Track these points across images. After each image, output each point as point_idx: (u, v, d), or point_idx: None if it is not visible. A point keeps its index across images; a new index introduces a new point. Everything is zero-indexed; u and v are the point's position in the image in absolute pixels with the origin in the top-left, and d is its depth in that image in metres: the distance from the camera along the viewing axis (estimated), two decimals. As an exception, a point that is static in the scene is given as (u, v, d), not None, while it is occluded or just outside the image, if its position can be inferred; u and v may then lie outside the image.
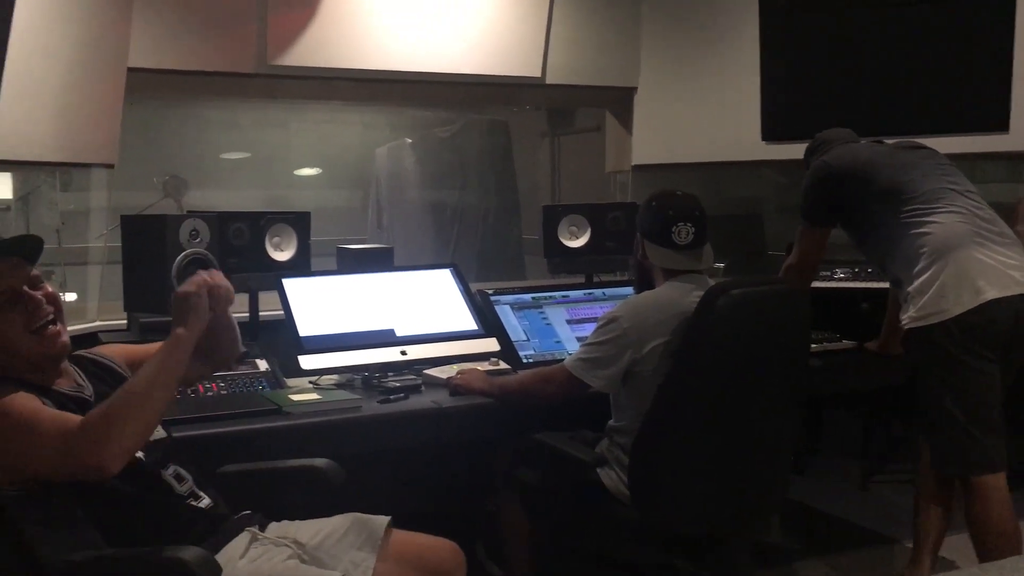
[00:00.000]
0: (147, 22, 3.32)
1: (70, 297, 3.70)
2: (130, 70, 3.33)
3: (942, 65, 3.91)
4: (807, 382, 2.50)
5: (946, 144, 3.95)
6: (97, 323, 3.26)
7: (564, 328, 3.18)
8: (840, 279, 4.07)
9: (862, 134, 4.07)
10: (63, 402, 1.81)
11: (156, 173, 4.65)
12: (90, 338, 3.12)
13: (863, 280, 4.03)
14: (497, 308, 3.17)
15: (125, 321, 3.10)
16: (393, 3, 3.75)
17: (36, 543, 1.67)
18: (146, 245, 2.88)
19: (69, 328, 3.17)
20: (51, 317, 1.86)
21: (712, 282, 2.43)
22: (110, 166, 3.44)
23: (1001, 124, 3.79)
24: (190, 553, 1.62)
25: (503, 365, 2.93)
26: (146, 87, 3.49)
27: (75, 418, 1.68)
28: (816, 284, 3.98)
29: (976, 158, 4.39)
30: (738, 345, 2.27)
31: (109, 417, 1.64)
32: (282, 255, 3.06)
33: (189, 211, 3.49)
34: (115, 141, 3.37)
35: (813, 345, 2.88)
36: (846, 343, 3.28)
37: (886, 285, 3.96)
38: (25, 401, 1.70)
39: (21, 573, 1.69)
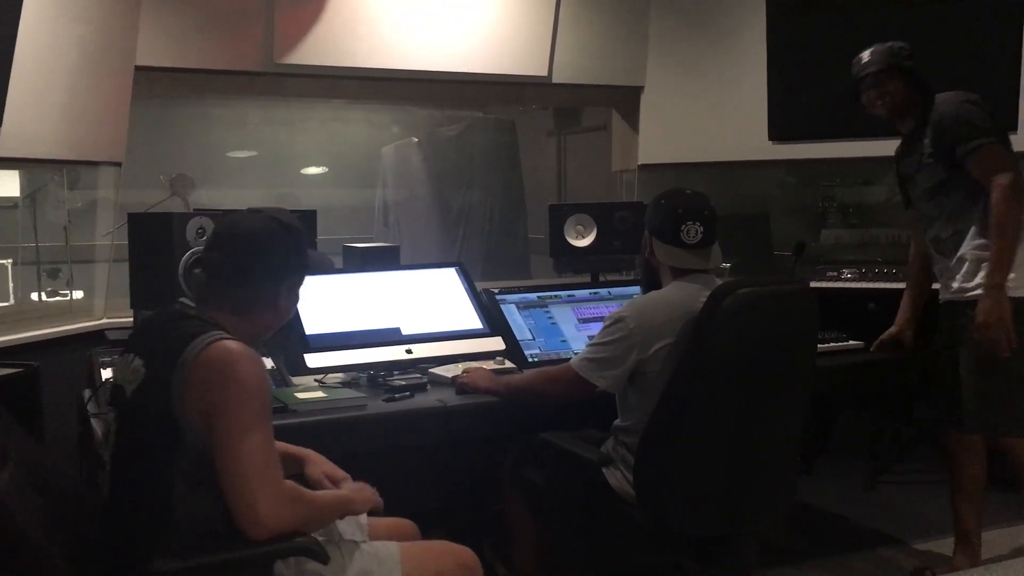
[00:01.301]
0: (155, 20, 3.33)
1: (77, 295, 3.72)
2: (137, 68, 3.34)
3: (951, 65, 3.89)
4: (814, 382, 2.49)
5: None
6: (104, 320, 3.27)
7: (570, 327, 3.17)
8: (847, 279, 4.06)
9: (870, 135, 4.07)
10: None
11: (163, 171, 4.67)
12: (97, 335, 3.13)
13: (870, 280, 4.03)
14: (503, 307, 3.16)
15: (131, 319, 3.11)
16: (400, 2, 3.75)
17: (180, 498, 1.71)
18: (153, 243, 2.89)
19: (76, 325, 3.20)
20: None
21: (719, 282, 2.42)
22: (117, 164, 3.45)
23: (1009, 123, 3.78)
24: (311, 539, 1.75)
25: (508, 364, 2.92)
26: (153, 85, 3.50)
27: (279, 467, 1.75)
28: (823, 284, 3.98)
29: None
30: (745, 345, 2.26)
31: (307, 517, 1.77)
32: (288, 253, 3.06)
33: (196, 209, 3.50)
34: (122, 139, 3.38)
35: (820, 345, 2.87)
36: (853, 343, 3.27)
37: (893, 285, 3.97)
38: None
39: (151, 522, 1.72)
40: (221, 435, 1.68)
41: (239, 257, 1.85)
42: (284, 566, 1.79)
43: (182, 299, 1.89)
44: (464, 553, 2.03)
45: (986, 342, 2.87)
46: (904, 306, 3.31)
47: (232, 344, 1.73)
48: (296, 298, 1.95)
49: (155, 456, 1.71)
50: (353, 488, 2.01)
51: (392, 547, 1.95)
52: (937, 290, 3.29)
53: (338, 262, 3.30)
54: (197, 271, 1.95)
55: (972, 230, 2.95)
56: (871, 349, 3.24)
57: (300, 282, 1.95)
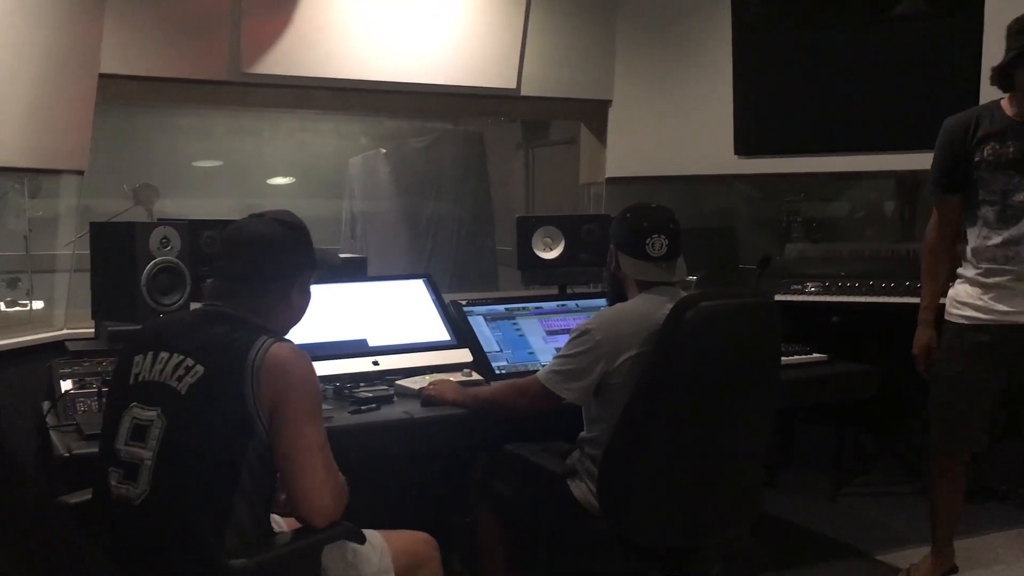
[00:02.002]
0: (119, 28, 3.30)
1: (37, 305, 3.66)
2: (101, 76, 3.30)
3: (912, 82, 3.97)
4: (778, 395, 2.51)
5: (914, 160, 4.03)
6: (64, 331, 3.21)
7: (537, 339, 3.18)
8: (811, 293, 4.11)
9: (832, 150, 4.13)
10: None
11: (127, 180, 4.61)
12: (56, 346, 3.08)
13: (834, 294, 4.08)
14: (470, 319, 3.16)
15: (93, 329, 3.06)
16: (369, 13, 3.75)
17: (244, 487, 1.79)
18: (115, 253, 2.85)
19: (35, 336, 3.15)
20: None
21: (684, 294, 2.43)
22: (80, 172, 3.40)
23: (969, 140, 3.85)
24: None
25: (476, 376, 2.92)
26: (117, 93, 3.46)
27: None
28: (787, 297, 4.02)
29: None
30: (708, 357, 2.28)
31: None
32: (254, 264, 3.03)
33: (160, 219, 3.46)
34: (85, 147, 3.34)
35: (784, 358, 2.90)
36: (816, 356, 3.30)
37: (856, 299, 4.02)
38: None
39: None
40: (288, 428, 1.80)
41: (248, 263, 1.92)
42: (328, 556, 1.92)
43: (212, 300, 1.95)
44: (425, 535, 2.18)
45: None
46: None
47: (288, 346, 1.86)
48: (309, 294, 2.04)
49: (228, 446, 1.78)
50: None
51: (374, 534, 2.05)
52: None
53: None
54: (210, 280, 2.00)
55: None
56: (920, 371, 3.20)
57: (311, 278, 2.03)
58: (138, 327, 2.81)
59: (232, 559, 1.73)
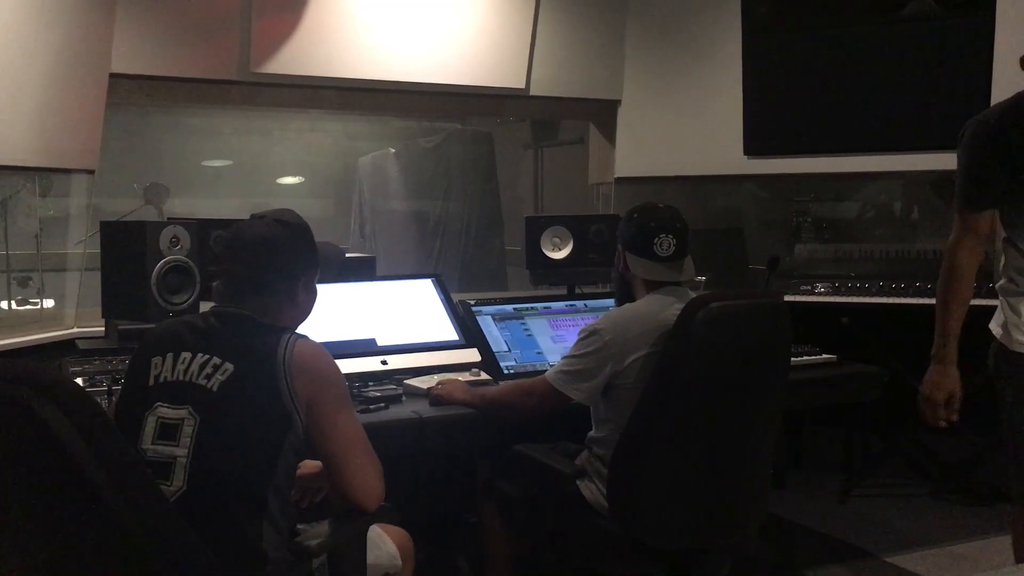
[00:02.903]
0: (130, 28, 3.31)
1: (48, 303, 3.67)
2: (112, 76, 3.31)
3: (924, 83, 3.96)
4: (787, 395, 2.50)
5: (927, 161, 4.02)
6: (75, 329, 3.23)
7: (546, 339, 3.17)
8: (821, 293, 4.10)
9: (842, 150, 4.12)
10: None
11: (137, 180, 4.63)
12: (67, 345, 3.10)
13: (843, 295, 4.07)
14: (479, 319, 3.16)
15: (103, 328, 3.07)
16: (378, 13, 3.75)
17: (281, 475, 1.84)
18: (126, 252, 2.86)
19: (46, 334, 3.16)
20: None
21: (693, 295, 2.43)
22: (91, 172, 3.41)
23: (980, 141, 3.83)
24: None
25: (484, 376, 2.92)
26: (128, 93, 3.47)
27: None
28: (797, 298, 4.02)
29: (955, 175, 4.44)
30: (717, 358, 2.27)
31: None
32: (263, 263, 3.04)
33: (170, 218, 3.47)
34: (96, 147, 3.35)
35: (793, 359, 2.89)
36: (826, 357, 3.29)
37: (865, 299, 4.00)
38: None
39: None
40: (327, 420, 1.86)
41: (250, 265, 1.94)
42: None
43: (221, 303, 1.97)
44: (404, 532, 2.22)
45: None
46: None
47: (310, 341, 1.90)
48: (314, 292, 2.06)
49: (263, 441, 1.81)
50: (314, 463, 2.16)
51: (376, 528, 2.11)
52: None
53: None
54: (215, 283, 2.02)
55: None
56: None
57: (315, 276, 2.05)
58: (148, 326, 2.82)
59: (271, 550, 1.79)
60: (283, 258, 1.96)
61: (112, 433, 1.55)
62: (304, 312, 2.05)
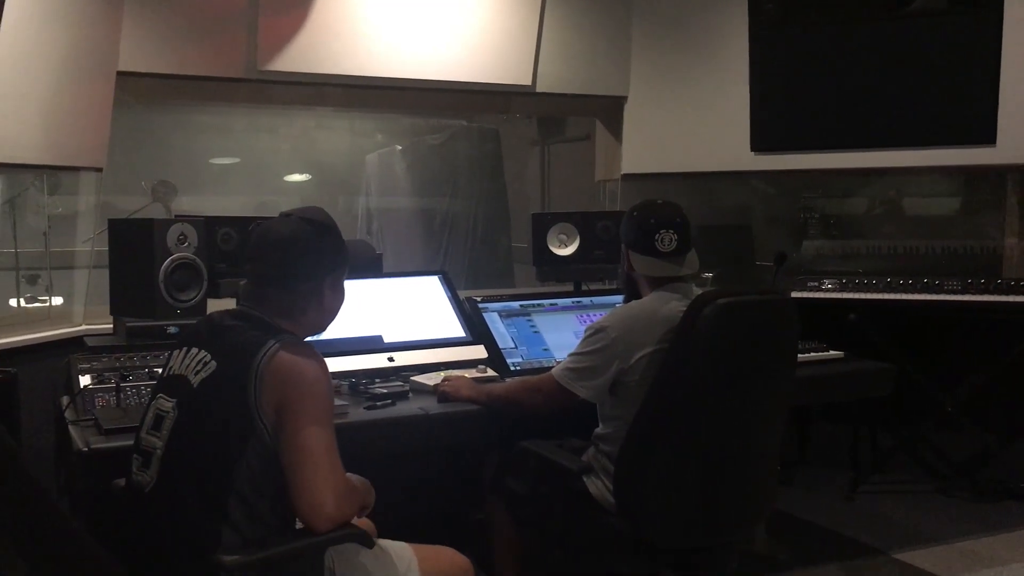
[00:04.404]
0: (137, 26, 3.32)
1: (56, 301, 3.68)
2: (120, 74, 3.32)
3: (931, 79, 3.94)
4: (794, 392, 2.50)
5: (934, 157, 4.01)
6: (83, 327, 3.24)
7: (552, 336, 3.17)
8: (828, 290, 4.09)
9: (851, 146, 4.10)
10: None
11: (144, 177, 4.64)
12: (75, 342, 3.11)
13: (851, 291, 4.06)
14: (485, 315, 3.16)
15: (111, 325, 3.09)
16: (385, 10, 3.75)
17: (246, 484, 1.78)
18: (134, 249, 2.87)
19: (54, 331, 3.17)
20: None
21: (698, 291, 2.43)
22: (99, 170, 3.42)
23: (988, 137, 3.82)
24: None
25: (491, 372, 2.92)
26: (136, 91, 3.48)
27: (341, 462, 1.83)
28: (804, 294, 4.01)
29: (963, 171, 4.43)
30: (724, 354, 2.27)
31: (355, 507, 1.87)
32: (270, 260, 3.05)
33: (177, 215, 3.48)
34: (104, 145, 3.36)
35: (800, 355, 2.88)
36: (833, 353, 3.28)
37: (873, 296, 4.00)
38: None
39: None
40: (289, 429, 1.77)
41: (277, 264, 1.91)
42: (329, 558, 1.88)
43: (243, 302, 1.96)
44: (460, 556, 2.13)
45: None
46: None
47: (299, 349, 1.84)
48: (342, 292, 2.02)
49: (225, 444, 1.77)
50: (358, 479, 2.03)
51: (404, 547, 2.03)
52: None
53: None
54: (243, 282, 2.01)
55: None
56: None
57: (342, 276, 2.01)
58: (156, 323, 2.84)
59: (224, 556, 1.71)
60: (308, 257, 1.92)
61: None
62: (331, 312, 2.01)
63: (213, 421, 1.80)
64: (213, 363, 1.83)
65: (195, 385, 1.83)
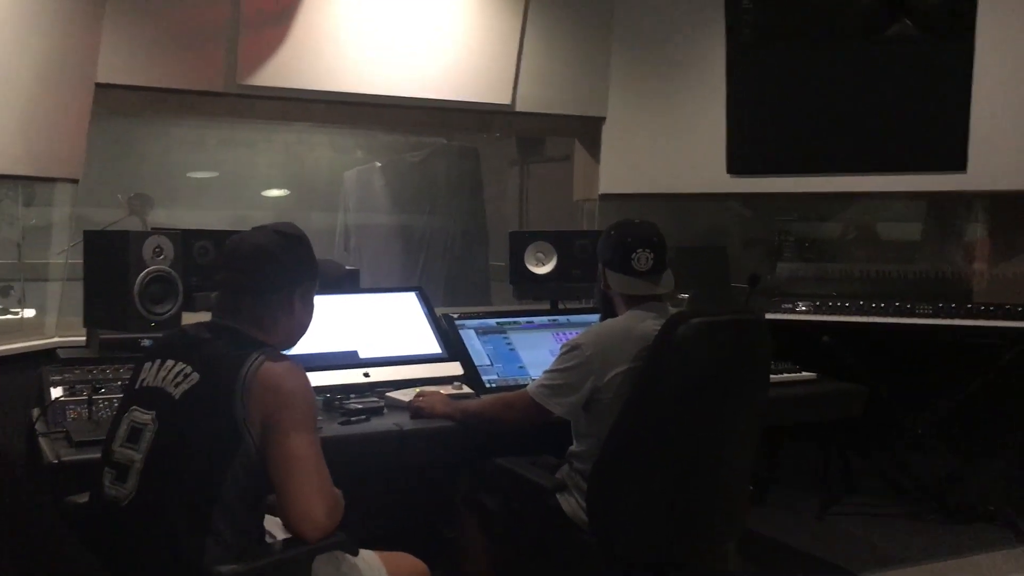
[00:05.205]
0: (116, 38, 3.31)
1: (28, 313, 3.65)
2: (98, 85, 3.31)
3: (903, 105, 4.01)
4: (766, 411, 2.52)
5: (906, 182, 4.07)
6: (56, 339, 3.21)
7: (528, 353, 3.18)
8: (802, 312, 4.13)
9: (824, 170, 4.15)
10: None
11: (121, 190, 4.61)
12: (47, 354, 3.08)
13: (824, 313, 4.10)
14: (462, 332, 3.17)
15: (84, 338, 3.06)
16: (366, 27, 3.77)
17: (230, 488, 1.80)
18: (109, 261, 2.86)
19: (26, 343, 3.15)
20: None
21: (673, 310, 2.45)
22: (74, 181, 3.41)
23: (959, 164, 3.89)
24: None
25: (466, 389, 2.93)
26: (114, 103, 3.46)
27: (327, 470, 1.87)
28: (778, 316, 4.04)
29: (934, 197, 4.50)
30: (697, 374, 2.29)
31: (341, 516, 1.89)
32: (247, 274, 3.04)
33: (154, 228, 3.46)
34: (80, 156, 3.34)
35: (773, 376, 2.91)
36: (805, 375, 3.31)
37: (846, 318, 4.04)
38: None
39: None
40: (278, 439, 1.80)
41: (248, 274, 1.95)
42: (316, 566, 1.89)
43: (217, 314, 1.98)
44: (419, 563, 2.17)
45: None
46: None
47: (283, 361, 1.87)
48: (311, 305, 2.05)
49: (211, 455, 1.79)
50: None
51: (372, 555, 2.06)
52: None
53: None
54: (212, 295, 2.00)
55: None
56: None
57: (313, 289, 2.05)
58: (130, 336, 2.82)
59: (214, 566, 1.73)
60: (279, 268, 1.96)
61: None
62: (301, 325, 2.04)
63: (198, 433, 1.80)
64: (195, 375, 1.84)
65: (177, 397, 1.83)
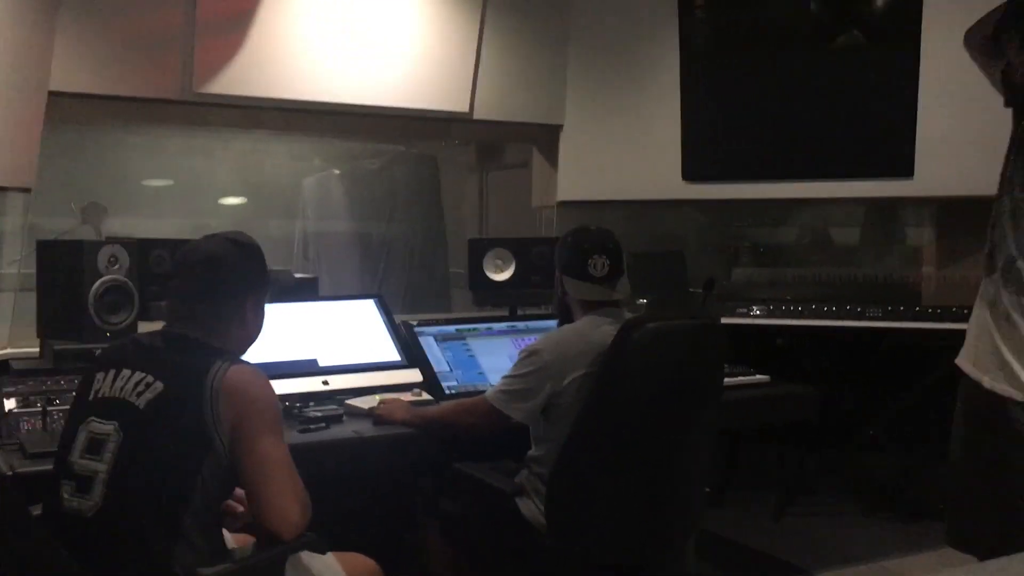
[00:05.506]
0: (70, 45, 3.28)
1: (-20, 324, 3.59)
2: (51, 93, 3.28)
3: (853, 112, 4.10)
4: (721, 414, 2.57)
5: (855, 189, 4.16)
6: (8, 350, 3.17)
7: (487, 360, 3.20)
8: (757, 316, 4.20)
9: (776, 177, 4.23)
10: None
11: (75, 199, 4.55)
12: (0, 365, 3.04)
13: (778, 317, 4.17)
14: (421, 339, 3.18)
15: (37, 349, 3.02)
16: (324, 34, 3.77)
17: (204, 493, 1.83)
18: (63, 271, 2.83)
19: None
20: None
21: (629, 315, 2.49)
22: (27, 190, 3.36)
23: (906, 170, 3.98)
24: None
25: (426, 396, 2.94)
26: (67, 111, 3.43)
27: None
28: (734, 320, 4.11)
29: (884, 203, 4.60)
30: (653, 377, 2.33)
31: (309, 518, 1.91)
32: (204, 283, 3.02)
33: (108, 237, 3.43)
34: (33, 165, 3.30)
35: (728, 379, 2.96)
36: (760, 377, 3.37)
37: (799, 322, 4.11)
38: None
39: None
40: (251, 443, 1.84)
41: (201, 281, 1.96)
42: (288, 565, 1.93)
43: (171, 322, 2.00)
44: (372, 562, 2.21)
45: None
46: None
47: (246, 366, 1.91)
48: (262, 314, 2.06)
49: (181, 461, 1.81)
50: None
51: (329, 556, 2.06)
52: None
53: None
54: (163, 303, 2.01)
55: None
56: None
57: (264, 296, 2.06)
58: (84, 346, 2.79)
59: (185, 573, 1.75)
60: (232, 276, 1.98)
61: None
62: (252, 333, 2.06)
63: (167, 440, 1.81)
64: (158, 384, 1.85)
65: (142, 407, 1.83)
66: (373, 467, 2.63)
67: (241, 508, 2.10)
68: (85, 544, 1.82)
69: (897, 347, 4.15)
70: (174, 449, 1.81)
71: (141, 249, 2.92)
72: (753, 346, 3.68)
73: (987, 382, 2.16)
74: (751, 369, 3.39)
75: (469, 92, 4.13)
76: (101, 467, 1.82)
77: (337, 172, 6.08)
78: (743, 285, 4.85)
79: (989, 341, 2.17)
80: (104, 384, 1.91)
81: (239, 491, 2.09)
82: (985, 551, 2.01)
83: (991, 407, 2.16)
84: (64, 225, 4.30)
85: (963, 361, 2.27)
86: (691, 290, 4.71)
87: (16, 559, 1.53)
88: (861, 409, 4.17)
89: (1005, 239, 2.15)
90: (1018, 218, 2.13)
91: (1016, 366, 2.10)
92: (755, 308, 4.22)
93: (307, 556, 1.98)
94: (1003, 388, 2.13)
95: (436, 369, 3.09)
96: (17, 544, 1.54)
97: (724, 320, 4.02)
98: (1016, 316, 2.11)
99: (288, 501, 1.85)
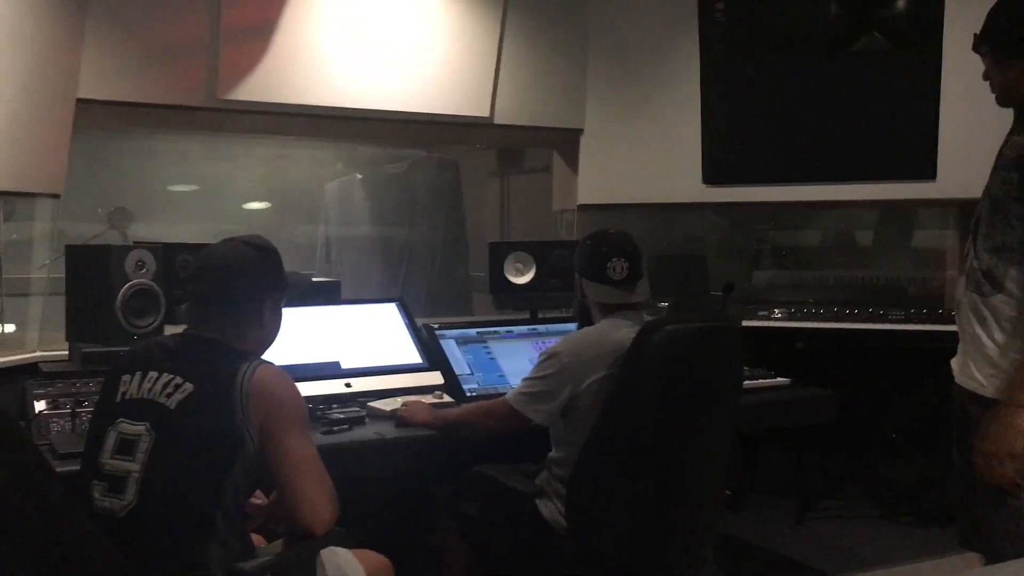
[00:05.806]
0: (98, 53, 3.33)
1: (9, 328, 3.66)
2: (79, 101, 3.33)
3: (874, 116, 4.08)
4: (739, 417, 2.57)
5: (877, 191, 4.15)
6: (38, 353, 3.23)
7: (508, 362, 3.22)
8: (778, 318, 4.19)
9: (797, 180, 4.23)
10: None
11: (102, 204, 4.62)
12: (29, 368, 3.09)
13: (799, 320, 4.17)
14: (442, 342, 3.21)
15: (67, 352, 3.08)
16: (346, 41, 3.81)
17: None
18: (91, 275, 2.88)
19: (6, 358, 3.15)
20: None
21: (649, 318, 2.50)
22: (55, 196, 3.42)
23: (928, 173, 3.97)
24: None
25: (447, 398, 2.96)
26: (95, 118, 3.49)
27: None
28: (754, 323, 4.11)
29: (905, 205, 4.58)
30: (672, 380, 2.34)
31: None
32: (229, 287, 3.07)
33: (135, 242, 3.48)
34: (62, 171, 3.36)
35: (748, 382, 2.96)
36: (780, 380, 3.37)
37: (820, 324, 4.11)
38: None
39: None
40: (281, 442, 1.89)
41: (219, 285, 2.00)
42: (320, 560, 1.98)
43: (190, 325, 2.04)
44: (385, 560, 2.25)
45: None
46: None
47: (272, 367, 1.96)
48: (280, 316, 2.10)
49: (213, 462, 1.85)
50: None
51: (346, 552, 2.09)
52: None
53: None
54: (183, 306, 2.05)
55: None
56: None
57: (281, 300, 2.10)
58: (112, 349, 2.84)
59: (221, 570, 1.80)
60: (249, 279, 2.01)
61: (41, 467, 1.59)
62: (270, 335, 2.09)
63: (198, 440, 1.86)
64: (188, 385, 1.89)
65: (173, 408, 1.87)
66: (394, 469, 2.66)
67: (253, 508, 2.15)
68: (117, 543, 1.86)
69: (918, 350, 4.13)
70: (206, 449, 1.85)
71: (167, 254, 2.96)
72: (774, 349, 3.68)
73: (956, 378, 2.29)
74: (771, 372, 3.39)
75: (490, 97, 4.16)
76: (134, 467, 1.86)
77: (359, 177, 6.13)
78: (764, 288, 4.84)
79: (962, 340, 2.27)
80: (131, 386, 1.94)
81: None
82: (986, 549, 2.20)
83: (961, 403, 2.27)
84: (90, 230, 4.37)
85: (953, 361, 2.35)
86: (712, 293, 4.71)
87: (63, 554, 1.56)
88: (882, 412, 4.15)
89: (969, 239, 2.29)
90: (979, 219, 2.28)
91: (971, 363, 2.19)
92: (776, 311, 4.22)
93: (330, 551, 2.02)
94: (965, 382, 2.22)
95: (457, 372, 3.12)
96: (66, 540, 1.57)
97: (745, 323, 4.00)
98: (970, 314, 2.21)
99: (320, 498, 1.91)
